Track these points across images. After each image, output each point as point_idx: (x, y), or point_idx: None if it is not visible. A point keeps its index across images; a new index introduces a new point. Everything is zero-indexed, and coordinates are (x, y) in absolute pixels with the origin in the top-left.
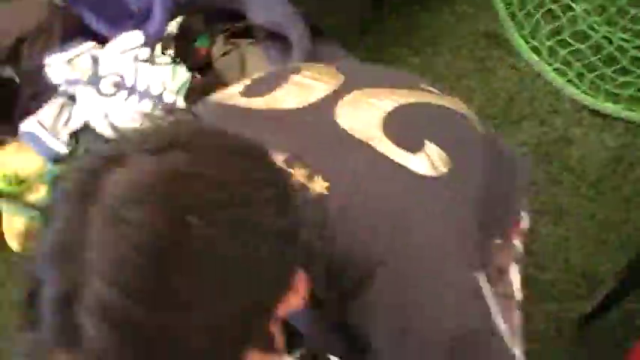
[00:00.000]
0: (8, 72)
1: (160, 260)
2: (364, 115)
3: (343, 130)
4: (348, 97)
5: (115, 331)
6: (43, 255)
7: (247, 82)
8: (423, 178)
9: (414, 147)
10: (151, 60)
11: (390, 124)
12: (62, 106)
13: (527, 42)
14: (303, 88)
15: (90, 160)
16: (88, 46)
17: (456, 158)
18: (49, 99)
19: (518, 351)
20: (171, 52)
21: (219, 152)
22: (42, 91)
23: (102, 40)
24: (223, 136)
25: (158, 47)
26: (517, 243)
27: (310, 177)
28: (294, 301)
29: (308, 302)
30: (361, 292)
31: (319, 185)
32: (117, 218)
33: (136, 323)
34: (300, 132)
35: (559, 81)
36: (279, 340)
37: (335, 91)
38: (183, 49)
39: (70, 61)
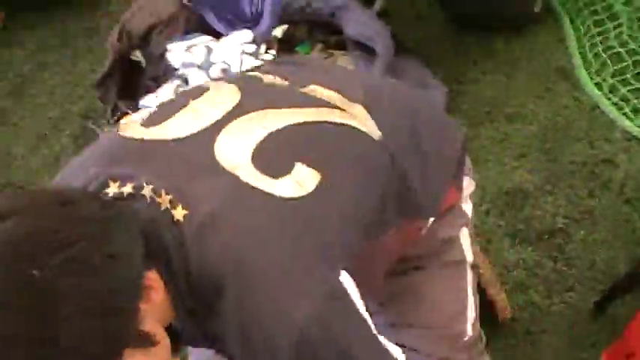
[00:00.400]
0: (137, 55)
1: (22, 312)
2: (239, 144)
3: (215, 160)
4: (231, 125)
5: None
6: None
7: (155, 108)
8: (285, 200)
9: (280, 172)
10: (255, 55)
11: (260, 153)
12: (177, 87)
13: (591, 78)
14: (197, 114)
15: None
16: (205, 39)
17: (330, 174)
18: (167, 81)
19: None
20: (273, 52)
21: (40, 208)
22: (161, 75)
23: (216, 36)
24: (42, 193)
25: (263, 46)
26: (466, 207)
27: (173, 204)
28: (156, 297)
29: (182, 311)
30: (215, 306)
31: (179, 212)
32: None
33: None
34: (175, 162)
35: (615, 113)
36: (160, 335)
37: (223, 117)
38: (285, 52)
39: (188, 48)
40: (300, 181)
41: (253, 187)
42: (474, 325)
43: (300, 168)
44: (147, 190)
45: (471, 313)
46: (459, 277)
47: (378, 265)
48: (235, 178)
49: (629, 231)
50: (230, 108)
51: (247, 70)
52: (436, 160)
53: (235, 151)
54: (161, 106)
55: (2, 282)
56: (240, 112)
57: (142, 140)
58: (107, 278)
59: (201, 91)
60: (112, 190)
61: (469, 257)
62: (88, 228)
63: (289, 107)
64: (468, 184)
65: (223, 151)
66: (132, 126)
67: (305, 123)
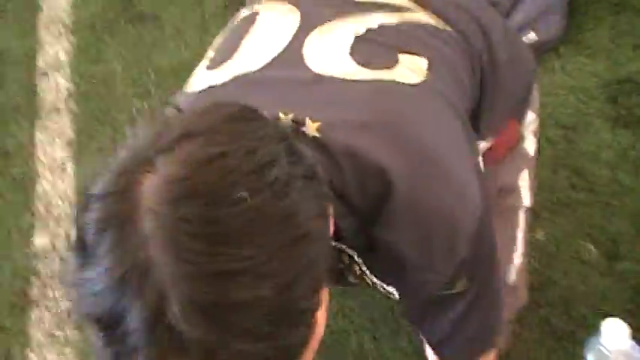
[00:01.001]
0: None
1: (221, 242)
2: (330, 51)
3: (313, 72)
4: (309, 38)
5: (207, 319)
6: (111, 289)
7: (212, 53)
8: (412, 85)
9: (389, 64)
10: None
11: (358, 54)
12: None
13: None
14: (263, 40)
15: (114, 181)
16: None
17: (433, 56)
18: None
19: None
20: None
21: (223, 125)
22: None
23: None
24: (217, 108)
25: None
26: (529, 145)
27: (298, 121)
28: (332, 227)
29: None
30: (382, 208)
31: (311, 127)
32: (170, 222)
33: (221, 303)
34: (273, 87)
35: None
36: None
37: (294, 36)
38: None
39: None
40: (412, 67)
41: (370, 80)
42: (518, 272)
43: (404, 57)
44: None
45: (517, 259)
46: (511, 224)
47: None
48: (348, 81)
49: None
50: (297, 25)
51: None
52: (504, 86)
53: (331, 59)
54: (219, 47)
55: (206, 211)
56: (310, 25)
57: (223, 84)
58: (309, 200)
59: (252, 17)
60: None
61: (526, 202)
62: (278, 146)
63: (359, 14)
64: (533, 120)
65: (318, 63)
66: (200, 76)
67: (384, 25)
